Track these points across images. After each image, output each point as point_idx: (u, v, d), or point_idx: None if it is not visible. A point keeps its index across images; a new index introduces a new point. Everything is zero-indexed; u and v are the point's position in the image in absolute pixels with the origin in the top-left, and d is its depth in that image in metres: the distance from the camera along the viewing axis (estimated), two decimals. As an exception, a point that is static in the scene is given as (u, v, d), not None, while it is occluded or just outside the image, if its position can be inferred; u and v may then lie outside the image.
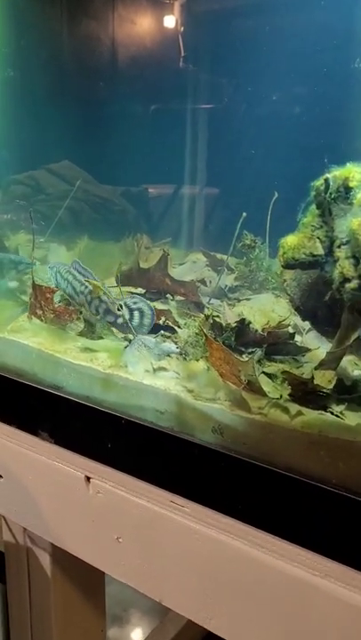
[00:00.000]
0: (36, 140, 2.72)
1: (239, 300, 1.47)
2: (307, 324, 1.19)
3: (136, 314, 1.26)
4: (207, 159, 2.30)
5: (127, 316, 1.24)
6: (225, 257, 1.69)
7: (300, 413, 0.97)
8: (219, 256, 1.74)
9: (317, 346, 1.16)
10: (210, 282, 1.53)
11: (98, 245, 2.02)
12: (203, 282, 1.54)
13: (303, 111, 1.88)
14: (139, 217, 2.72)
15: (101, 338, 1.26)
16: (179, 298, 1.46)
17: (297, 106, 1.90)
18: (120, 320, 1.25)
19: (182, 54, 2.31)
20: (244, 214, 1.38)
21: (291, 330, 1.16)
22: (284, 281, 1.13)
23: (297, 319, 1.20)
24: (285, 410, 0.98)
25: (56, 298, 1.31)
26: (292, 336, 1.16)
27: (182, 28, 2.30)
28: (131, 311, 1.25)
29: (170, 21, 2.35)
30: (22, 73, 2.67)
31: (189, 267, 1.67)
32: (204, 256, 1.80)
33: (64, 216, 2.50)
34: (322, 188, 0.95)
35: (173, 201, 2.51)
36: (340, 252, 0.93)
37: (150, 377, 1.13)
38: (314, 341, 1.25)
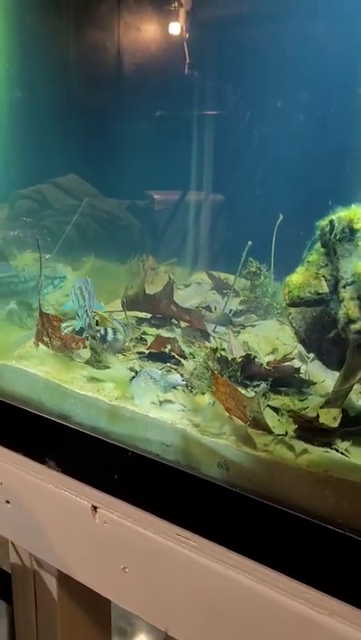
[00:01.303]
0: (42, 154, 2.73)
1: (244, 327, 1.48)
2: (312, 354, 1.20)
3: (110, 330, 1.35)
4: (214, 174, 2.30)
5: (102, 332, 1.33)
6: (229, 277, 1.70)
7: (305, 451, 0.98)
8: (223, 276, 1.74)
9: (323, 379, 1.16)
10: (215, 307, 1.54)
11: (104, 266, 2.03)
12: (208, 308, 1.55)
13: (314, 127, 1.87)
14: (144, 233, 2.73)
15: (108, 367, 1.27)
16: (184, 324, 1.47)
17: (306, 120, 1.90)
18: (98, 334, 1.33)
19: (187, 61, 2.32)
20: (250, 242, 1.39)
21: (296, 362, 1.17)
22: (290, 314, 1.13)
23: (302, 348, 1.21)
24: (291, 447, 0.99)
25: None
26: (297, 370, 1.17)
27: (187, 36, 2.31)
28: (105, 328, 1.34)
29: (175, 30, 2.36)
30: (29, 87, 2.68)
31: (194, 289, 1.68)
32: (208, 277, 1.80)
33: (70, 232, 2.50)
34: (327, 228, 0.96)
35: (180, 216, 2.51)
36: (346, 293, 0.94)
37: (156, 409, 1.14)
38: (318, 370, 1.25)
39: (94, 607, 1.63)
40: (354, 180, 1.56)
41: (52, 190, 2.91)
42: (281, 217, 1.60)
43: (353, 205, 0.95)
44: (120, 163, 2.55)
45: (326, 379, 1.18)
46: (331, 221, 0.95)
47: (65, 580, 1.52)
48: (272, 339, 1.34)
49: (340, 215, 0.95)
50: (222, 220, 2.28)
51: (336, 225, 0.95)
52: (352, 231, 0.93)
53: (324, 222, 0.97)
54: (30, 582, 1.59)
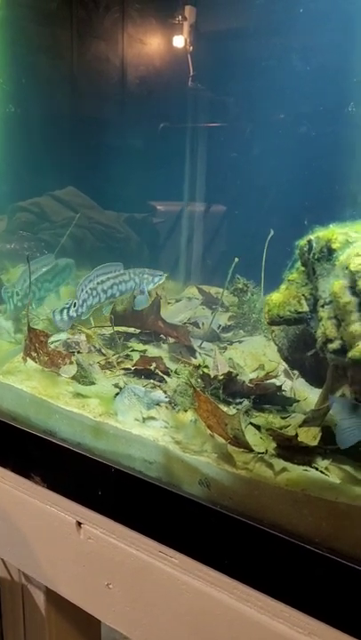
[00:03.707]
0: (41, 166, 2.75)
1: (231, 343, 1.48)
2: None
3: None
4: (208, 189, 2.32)
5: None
6: (221, 291, 1.70)
7: (284, 470, 0.98)
8: (214, 291, 1.75)
9: (305, 397, 1.16)
10: (202, 323, 1.54)
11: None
12: (195, 324, 1.55)
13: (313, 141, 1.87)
14: (139, 246, 2.74)
15: (93, 383, 1.28)
16: (172, 340, 1.47)
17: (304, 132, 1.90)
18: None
19: (191, 74, 2.34)
20: (236, 259, 1.40)
21: (279, 381, 1.17)
22: (273, 331, 1.14)
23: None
24: (270, 466, 0.99)
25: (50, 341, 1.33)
26: (279, 388, 1.17)
27: (189, 49, 2.33)
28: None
29: (177, 43, 2.38)
30: (27, 101, 2.70)
31: (184, 304, 1.68)
32: (198, 292, 1.81)
33: (67, 245, 2.51)
34: (306, 248, 0.96)
35: (173, 230, 2.53)
36: (324, 312, 0.94)
37: (139, 426, 1.14)
38: (304, 387, 1.26)
39: (83, 622, 1.62)
40: (336, 199, 1.57)
41: (50, 203, 2.93)
42: (272, 232, 1.61)
43: (331, 225, 0.96)
44: (113, 176, 2.56)
45: (310, 396, 1.18)
46: (309, 241, 0.96)
47: (53, 594, 1.52)
48: (259, 355, 1.35)
49: (319, 235, 0.96)
50: (215, 234, 2.29)
51: (314, 245, 0.95)
52: (330, 251, 0.94)
53: (302, 242, 0.98)
54: (19, 597, 1.59)
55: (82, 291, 1.50)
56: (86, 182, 2.75)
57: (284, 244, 1.20)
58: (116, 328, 1.48)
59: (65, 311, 1.49)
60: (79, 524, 1.23)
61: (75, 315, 1.51)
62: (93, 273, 1.53)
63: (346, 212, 1.51)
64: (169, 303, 1.70)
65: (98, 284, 1.52)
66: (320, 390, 1.13)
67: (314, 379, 1.13)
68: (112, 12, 2.57)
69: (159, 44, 2.53)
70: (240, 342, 1.49)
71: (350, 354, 0.88)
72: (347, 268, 0.89)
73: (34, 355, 1.37)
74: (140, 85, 2.65)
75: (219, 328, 1.55)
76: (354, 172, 1.57)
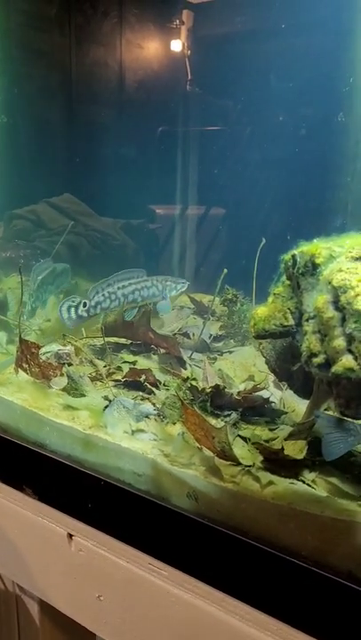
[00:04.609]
0: (37, 173, 2.76)
1: (222, 354, 1.49)
2: (286, 382, 1.20)
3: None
4: (200, 197, 2.32)
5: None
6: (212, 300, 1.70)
7: (271, 483, 0.98)
8: (206, 300, 1.75)
9: (294, 408, 1.17)
10: (193, 334, 1.55)
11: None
12: (186, 334, 1.56)
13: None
14: (137, 253, 2.75)
15: (84, 395, 1.28)
16: (163, 351, 1.48)
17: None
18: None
19: (189, 78, 2.35)
20: (225, 270, 1.40)
21: (267, 393, 1.18)
22: (260, 344, 1.14)
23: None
24: (257, 479, 1.00)
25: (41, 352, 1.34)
26: (266, 400, 1.17)
27: (189, 53, 2.34)
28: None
29: (175, 48, 2.38)
30: (23, 109, 2.70)
31: (176, 314, 1.69)
32: (190, 301, 1.81)
33: (63, 252, 2.52)
34: (290, 263, 0.97)
35: (169, 238, 2.53)
36: (308, 326, 0.95)
37: (128, 439, 1.15)
38: (294, 397, 1.26)
39: (77, 633, 1.62)
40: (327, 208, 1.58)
41: (47, 210, 2.93)
42: (263, 241, 1.61)
43: (315, 240, 0.96)
44: (109, 183, 2.57)
45: (299, 407, 1.19)
46: (293, 256, 0.97)
47: (47, 605, 1.52)
48: (249, 365, 1.35)
49: (303, 250, 0.96)
50: (209, 243, 2.30)
51: (298, 259, 0.96)
52: (314, 266, 0.94)
53: (287, 257, 0.98)
54: (13, 607, 1.59)
55: (97, 293, 1.52)
56: (83, 189, 2.76)
57: (278, 254, 1.20)
58: (108, 339, 1.49)
59: (73, 309, 1.51)
60: (70, 535, 1.23)
61: (85, 315, 1.53)
62: (113, 277, 1.56)
63: (337, 220, 1.52)
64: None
65: (118, 288, 1.54)
66: (308, 402, 1.13)
67: (302, 390, 1.13)
68: (110, 17, 2.58)
69: (157, 49, 2.54)
70: (230, 352, 1.50)
71: (333, 369, 0.88)
72: (330, 283, 0.89)
73: (25, 366, 1.37)
74: (138, 90, 2.66)
75: (210, 338, 1.56)
76: (344, 181, 1.58)
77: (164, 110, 2.47)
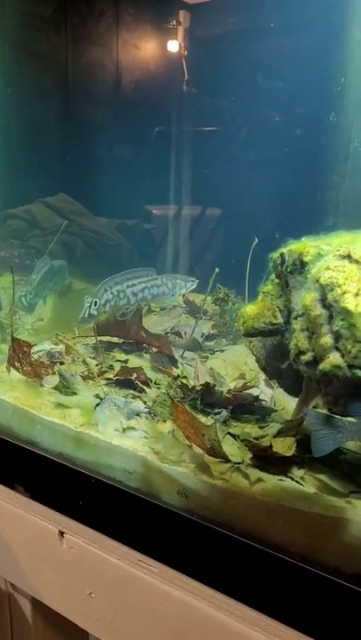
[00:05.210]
0: (33, 173, 2.76)
1: (213, 352, 1.49)
2: (277, 379, 1.21)
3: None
4: (194, 196, 2.33)
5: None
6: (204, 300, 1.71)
7: (259, 480, 0.99)
8: (199, 300, 1.76)
9: (284, 406, 1.17)
10: (185, 333, 1.55)
11: (86, 288, 2.05)
12: (178, 333, 1.56)
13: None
14: (132, 252, 2.75)
15: (75, 394, 1.29)
16: (155, 349, 1.48)
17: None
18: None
19: (185, 78, 2.36)
20: (217, 270, 1.41)
21: (256, 390, 1.18)
22: (250, 342, 1.15)
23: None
24: (246, 476, 1.00)
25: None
26: (256, 398, 1.18)
27: (186, 53, 2.34)
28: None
29: (172, 48, 2.39)
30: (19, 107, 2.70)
31: (168, 313, 1.69)
32: (182, 301, 1.82)
33: (58, 252, 2.52)
34: (278, 261, 0.97)
35: (164, 237, 2.54)
36: (296, 324, 0.95)
37: (119, 437, 1.15)
38: (285, 395, 1.27)
39: (70, 630, 1.63)
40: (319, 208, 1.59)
41: (42, 210, 2.93)
42: (256, 241, 1.62)
43: (303, 238, 0.97)
44: (105, 182, 2.57)
45: (289, 405, 1.19)
46: (282, 254, 0.97)
47: (40, 603, 1.52)
48: (240, 364, 1.36)
49: (291, 248, 0.97)
50: (204, 242, 2.30)
51: (287, 258, 0.97)
52: (302, 264, 0.95)
53: (275, 255, 0.99)
54: (6, 605, 1.59)
55: (105, 291, 1.54)
56: (78, 189, 2.76)
57: (270, 253, 1.21)
58: (100, 338, 1.49)
59: (87, 310, 1.54)
60: (62, 533, 1.24)
61: (95, 313, 1.57)
62: (121, 276, 1.58)
63: (328, 220, 1.53)
64: (153, 312, 1.71)
65: (128, 287, 1.56)
66: (298, 399, 1.14)
67: (292, 388, 1.14)
68: (106, 17, 2.58)
69: (153, 49, 2.54)
70: (222, 351, 1.50)
71: (321, 366, 0.89)
72: (317, 281, 0.90)
73: (17, 365, 1.38)
74: (133, 90, 2.67)
75: (202, 336, 1.57)
76: (336, 180, 1.59)
77: (159, 110, 2.47)
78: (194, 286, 1.63)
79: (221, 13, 2.16)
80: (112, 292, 1.56)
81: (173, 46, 2.39)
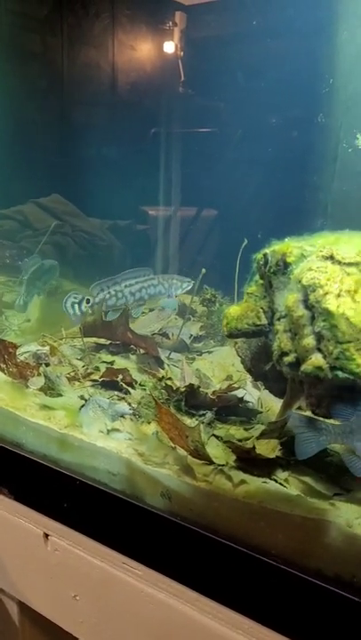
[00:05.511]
0: (26, 173, 2.75)
1: (201, 353, 1.49)
2: (263, 381, 1.21)
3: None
4: (184, 196, 2.33)
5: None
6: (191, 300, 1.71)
7: (243, 482, 0.99)
8: (188, 301, 1.75)
9: (268, 408, 1.17)
10: (172, 334, 1.55)
11: (74, 289, 2.04)
12: (165, 334, 1.56)
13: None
14: (124, 253, 2.75)
15: (60, 395, 1.28)
16: (142, 351, 1.48)
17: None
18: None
19: (182, 79, 2.35)
20: (204, 270, 1.40)
21: (241, 392, 1.18)
22: (236, 343, 1.14)
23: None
24: (229, 478, 1.00)
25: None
26: (240, 399, 1.18)
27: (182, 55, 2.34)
28: None
29: (168, 49, 2.38)
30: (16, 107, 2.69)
31: (156, 314, 1.69)
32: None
33: (50, 253, 2.51)
34: (262, 261, 0.97)
35: (156, 238, 2.53)
36: (280, 325, 0.95)
37: (104, 438, 1.15)
38: (272, 397, 1.26)
39: (57, 634, 1.62)
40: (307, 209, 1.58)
41: (34, 210, 2.93)
42: (246, 241, 1.61)
43: (287, 239, 0.96)
44: (98, 183, 2.57)
45: (274, 407, 1.19)
46: (265, 255, 0.97)
47: (26, 606, 1.51)
48: (227, 365, 1.36)
49: (275, 249, 0.97)
50: (195, 243, 2.30)
51: (270, 258, 0.96)
52: (285, 265, 0.95)
53: (259, 255, 0.99)
54: (-8, 608, 1.58)
55: (102, 290, 1.54)
56: (71, 189, 2.76)
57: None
58: (87, 339, 1.49)
59: (76, 306, 1.53)
60: (46, 535, 1.23)
61: (90, 312, 1.57)
62: (119, 276, 1.58)
63: (317, 221, 1.53)
64: (143, 313, 1.70)
65: (125, 286, 1.57)
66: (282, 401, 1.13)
67: (277, 390, 1.14)
68: (102, 18, 2.58)
69: (148, 50, 2.54)
70: (210, 352, 1.50)
71: (303, 367, 0.88)
72: (300, 282, 0.90)
73: (3, 366, 1.37)
74: (126, 91, 2.66)
75: (190, 338, 1.56)
76: (324, 182, 1.59)
77: (152, 111, 2.47)
78: (190, 287, 1.64)
79: (218, 15, 2.17)
80: (109, 292, 1.56)
81: (169, 47, 2.39)
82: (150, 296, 1.60)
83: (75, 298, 1.56)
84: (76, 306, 1.55)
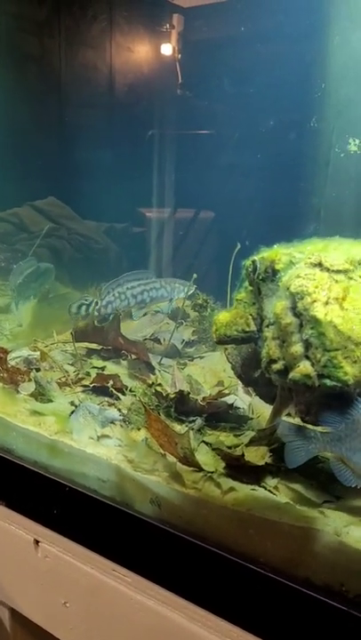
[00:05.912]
0: (22, 176, 2.74)
1: (192, 359, 1.48)
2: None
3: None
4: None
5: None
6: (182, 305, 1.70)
7: (232, 489, 0.98)
8: (180, 305, 1.75)
9: (259, 414, 1.16)
10: (164, 339, 1.54)
11: (68, 293, 2.04)
12: (157, 340, 1.55)
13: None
14: (120, 256, 2.74)
15: (51, 401, 1.28)
16: (134, 356, 1.47)
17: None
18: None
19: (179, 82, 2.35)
20: (195, 275, 1.40)
21: (231, 398, 1.17)
22: (226, 349, 1.14)
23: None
24: (218, 485, 0.99)
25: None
26: (230, 406, 1.17)
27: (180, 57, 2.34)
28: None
29: (166, 51, 2.38)
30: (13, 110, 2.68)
31: (149, 319, 1.69)
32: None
33: (45, 257, 2.51)
34: (251, 268, 0.97)
35: (150, 242, 2.53)
36: (268, 332, 0.95)
37: (93, 445, 1.14)
38: (263, 403, 1.26)
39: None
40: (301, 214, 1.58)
41: (30, 213, 2.92)
42: (238, 246, 1.61)
43: (275, 246, 0.96)
44: (94, 186, 2.56)
45: (265, 414, 1.18)
46: (253, 261, 0.96)
47: (18, 612, 1.51)
48: (218, 371, 1.35)
49: (264, 255, 0.96)
50: (191, 247, 2.29)
51: (259, 265, 0.96)
52: (274, 271, 0.94)
53: (248, 262, 0.98)
54: (-16, 614, 1.58)
55: (108, 293, 1.55)
56: (68, 192, 2.75)
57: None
58: (78, 344, 1.48)
59: (83, 307, 1.53)
60: (37, 542, 1.22)
61: (97, 313, 1.57)
62: (122, 278, 1.58)
63: (310, 226, 1.53)
64: (134, 318, 1.70)
65: (127, 288, 1.57)
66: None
67: (268, 396, 1.13)
68: (100, 20, 2.58)
69: (146, 52, 2.54)
70: (201, 358, 1.49)
71: (291, 375, 0.88)
72: (288, 289, 0.89)
73: (-6, 371, 1.36)
74: (124, 94, 2.66)
75: (182, 343, 1.56)
76: (317, 187, 1.58)
77: (149, 114, 2.47)
78: (192, 290, 1.64)
79: (215, 17, 2.17)
80: (113, 295, 1.57)
81: (166, 49, 2.39)
82: (152, 299, 1.60)
83: (85, 300, 1.56)
84: (84, 308, 1.56)
